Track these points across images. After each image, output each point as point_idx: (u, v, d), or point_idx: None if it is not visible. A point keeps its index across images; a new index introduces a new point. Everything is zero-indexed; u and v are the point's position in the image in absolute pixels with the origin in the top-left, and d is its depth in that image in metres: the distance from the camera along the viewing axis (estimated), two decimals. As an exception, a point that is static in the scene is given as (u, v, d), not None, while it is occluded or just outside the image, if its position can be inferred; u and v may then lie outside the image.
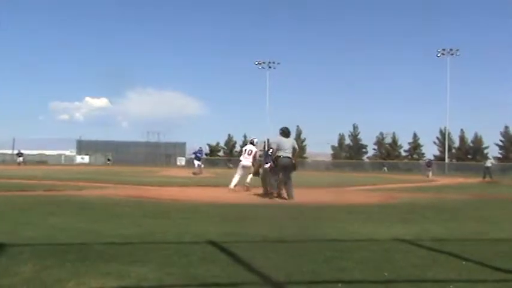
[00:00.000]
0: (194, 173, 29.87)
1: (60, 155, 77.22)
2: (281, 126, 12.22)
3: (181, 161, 74.43)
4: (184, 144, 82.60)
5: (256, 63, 79.23)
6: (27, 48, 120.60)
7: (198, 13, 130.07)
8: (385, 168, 67.49)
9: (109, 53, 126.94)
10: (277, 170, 11.74)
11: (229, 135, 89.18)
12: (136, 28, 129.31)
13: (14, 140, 56.35)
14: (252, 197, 12.15)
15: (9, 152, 56.03)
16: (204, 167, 36.38)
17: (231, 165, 54.33)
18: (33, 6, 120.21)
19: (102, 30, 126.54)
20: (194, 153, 34.03)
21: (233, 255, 4.72)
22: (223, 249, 4.99)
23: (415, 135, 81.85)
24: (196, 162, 31.77)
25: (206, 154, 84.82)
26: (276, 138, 12.19)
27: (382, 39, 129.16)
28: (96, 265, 4.17)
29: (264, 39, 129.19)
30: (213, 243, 5.27)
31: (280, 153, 11.65)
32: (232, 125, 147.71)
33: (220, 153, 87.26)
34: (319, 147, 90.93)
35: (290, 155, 11.73)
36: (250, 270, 4.16)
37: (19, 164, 47.33)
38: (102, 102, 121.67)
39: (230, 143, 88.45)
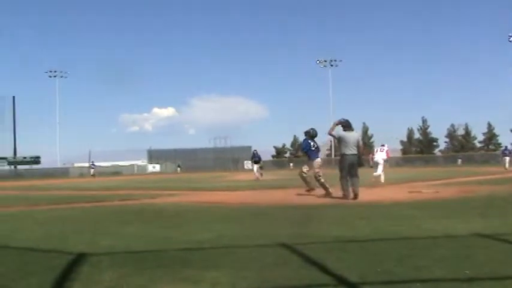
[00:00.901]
0: (257, 178, 28.65)
1: (132, 165, 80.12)
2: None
3: (248, 164, 75.08)
4: (250, 148, 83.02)
5: (318, 61, 78.67)
6: (97, 65, 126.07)
7: (257, 17, 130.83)
8: (460, 161, 64.85)
9: (172, 63, 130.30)
10: (343, 169, 11.22)
11: (294, 136, 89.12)
12: (198, 36, 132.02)
13: (89, 153, 59.25)
14: (316, 197, 12.01)
15: (86, 165, 58.88)
16: (270, 169, 36.27)
17: (291, 165, 53.85)
18: (105, 26, 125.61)
19: (165, 42, 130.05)
20: (251, 158, 33.10)
21: (305, 257, 4.69)
22: (295, 251, 4.98)
23: (489, 125, 78.13)
24: (255, 166, 30.65)
25: (272, 156, 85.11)
26: (339, 134, 11.48)
27: (446, 31, 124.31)
28: (172, 271, 4.28)
29: (324, 38, 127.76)
30: (285, 246, 5.26)
31: (345, 150, 11.21)
32: (296, 126, 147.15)
33: (287, 155, 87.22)
34: (388, 143, 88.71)
35: (355, 152, 11.26)
36: (324, 272, 4.12)
37: (92, 175, 49.46)
38: (169, 111, 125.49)
39: (296, 144, 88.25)
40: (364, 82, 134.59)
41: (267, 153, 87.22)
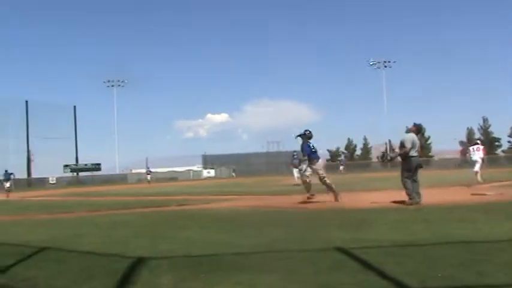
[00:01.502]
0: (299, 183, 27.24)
1: (188, 171, 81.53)
2: (402, 125, 11.47)
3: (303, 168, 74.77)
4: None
5: (371, 63, 77.49)
6: (152, 73, 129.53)
7: (307, 23, 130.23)
8: (524, 161, 61.85)
9: (225, 69, 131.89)
10: (410, 171, 10.72)
11: (348, 139, 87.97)
12: (250, 45, 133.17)
13: (146, 159, 60.91)
14: (378, 200, 11.76)
15: (143, 171, 60.52)
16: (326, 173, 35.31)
17: (341, 168, 52.53)
18: (163, 38, 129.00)
19: (219, 51, 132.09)
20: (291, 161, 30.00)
21: (362, 261, 4.61)
22: (351, 256, 4.91)
23: (558, 122, 74.12)
24: (294, 170, 28.09)
25: (327, 160, 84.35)
26: (410, 136, 10.93)
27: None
28: (228, 275, 4.33)
29: (377, 39, 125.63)
30: (340, 250, 5.20)
31: (411, 152, 10.85)
32: (350, 129, 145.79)
33: (341, 158, 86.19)
34: (446, 144, 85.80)
35: (417, 154, 10.98)
36: (382, 277, 4.03)
37: (149, 181, 50.61)
38: (222, 117, 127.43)
39: (350, 147, 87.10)
40: (418, 83, 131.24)
41: (321, 157, 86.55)
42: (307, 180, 12.39)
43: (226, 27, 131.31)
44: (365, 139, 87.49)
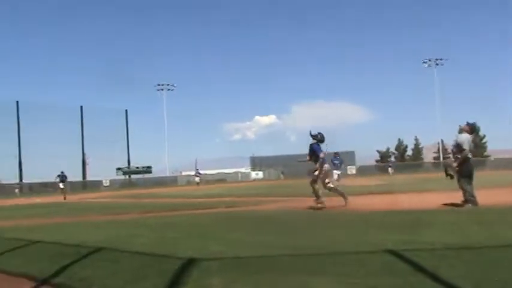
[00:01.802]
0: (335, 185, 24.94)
1: (237, 173, 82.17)
2: (456, 124, 10.92)
3: (351, 169, 73.78)
4: (353, 152, 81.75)
5: (423, 61, 75.66)
6: (201, 77, 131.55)
7: (358, 20, 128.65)
8: None
9: (273, 71, 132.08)
10: (470, 173, 10.21)
11: (399, 139, 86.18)
12: (299, 46, 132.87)
13: (195, 161, 61.82)
14: (426, 202, 11.47)
15: (193, 173, 61.49)
16: (372, 174, 34.56)
17: (390, 170, 51.00)
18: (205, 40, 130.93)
19: (267, 52, 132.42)
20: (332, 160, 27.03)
21: (414, 264, 4.51)
22: (402, 258, 4.80)
23: None
24: (334, 172, 25.66)
25: (376, 161, 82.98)
26: (466, 137, 10.35)
27: None
28: (277, 277, 4.33)
29: (428, 37, 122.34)
30: (392, 252, 5.10)
31: (470, 154, 10.28)
32: (401, 129, 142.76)
33: (392, 159, 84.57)
34: (503, 144, 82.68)
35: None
36: (435, 280, 3.93)
37: (198, 183, 51.28)
38: (270, 119, 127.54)
39: (401, 148, 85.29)
40: (472, 81, 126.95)
41: (370, 158, 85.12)
42: (316, 187, 11.90)
43: (277, 29, 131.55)
44: (416, 139, 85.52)
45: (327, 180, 11.75)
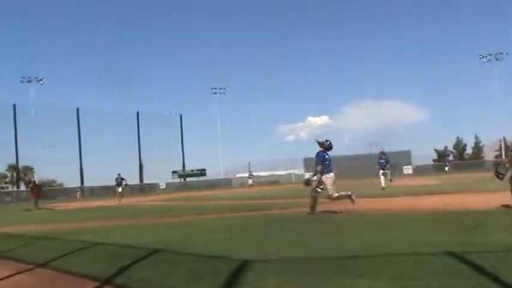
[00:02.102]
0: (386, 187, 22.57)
1: (290, 174, 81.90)
2: None
3: (408, 169, 71.99)
4: (409, 152, 79.72)
5: (481, 56, 72.77)
6: (252, 79, 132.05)
7: (411, 15, 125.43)
8: None
9: (325, 71, 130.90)
10: None
11: (457, 137, 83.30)
12: (349, 43, 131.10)
13: (249, 164, 62.21)
14: (490, 201, 11.00)
15: (246, 175, 61.97)
16: (429, 174, 33.34)
17: (447, 168, 48.68)
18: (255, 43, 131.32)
19: (318, 52, 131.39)
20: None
21: (475, 266, 4.35)
22: (462, 260, 4.65)
23: None
24: (381, 172, 23.86)
25: (434, 160, 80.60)
26: None
27: None
28: (334, 278, 4.30)
29: (484, 31, 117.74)
30: (450, 254, 4.95)
31: None
32: (460, 127, 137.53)
33: (450, 158, 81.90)
34: None
35: None
36: (498, 283, 3.79)
37: (250, 185, 51.49)
38: (323, 120, 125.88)
39: (459, 146, 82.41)
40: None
41: (427, 157, 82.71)
42: (314, 195, 11.36)
43: (324, 28, 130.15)
44: (476, 137, 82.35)
45: (330, 191, 11.22)
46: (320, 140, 11.72)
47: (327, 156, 11.54)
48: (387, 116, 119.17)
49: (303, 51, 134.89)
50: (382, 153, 24.90)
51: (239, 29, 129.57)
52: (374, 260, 5.15)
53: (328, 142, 11.65)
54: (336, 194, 11.16)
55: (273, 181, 73.37)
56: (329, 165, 11.55)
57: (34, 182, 33.23)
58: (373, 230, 7.71)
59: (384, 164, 24.13)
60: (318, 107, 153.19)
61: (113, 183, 32.12)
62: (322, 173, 11.33)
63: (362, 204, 12.87)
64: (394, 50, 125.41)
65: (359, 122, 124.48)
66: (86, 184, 62.18)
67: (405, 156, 79.46)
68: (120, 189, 30.40)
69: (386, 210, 11.23)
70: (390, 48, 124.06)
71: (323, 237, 7.21)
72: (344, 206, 11.54)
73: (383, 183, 22.92)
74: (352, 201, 11.10)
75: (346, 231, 7.80)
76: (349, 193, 10.99)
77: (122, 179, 31.18)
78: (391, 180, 24.23)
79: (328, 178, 11.27)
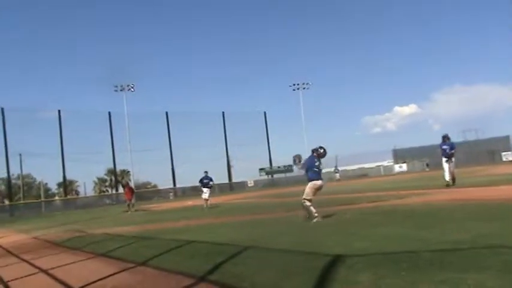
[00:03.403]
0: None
1: (378, 167, 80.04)
2: None
3: (507, 156, 67.73)
4: (507, 137, 75.01)
5: None
6: (333, 74, 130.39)
7: None
8: None
9: (408, 58, 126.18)
10: None
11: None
12: (435, 26, 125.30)
13: (336, 157, 61.46)
14: None
15: (332, 169, 61.45)
16: None
17: None
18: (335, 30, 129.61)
19: (401, 38, 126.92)
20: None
21: None
22: None
23: None
24: (444, 160, 18.57)
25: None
26: None
27: None
28: (429, 273, 4.15)
29: None
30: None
31: None
32: None
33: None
34: None
35: None
36: None
37: (337, 180, 50.94)
38: (411, 109, 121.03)
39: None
40: None
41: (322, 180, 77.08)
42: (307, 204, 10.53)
43: (405, 19, 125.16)
44: None
45: (305, 196, 10.57)
46: (314, 148, 11.21)
47: (317, 163, 10.99)
48: (480, 100, 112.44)
49: (383, 41, 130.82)
50: (446, 137, 19.34)
51: (315, 20, 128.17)
52: (477, 252, 4.86)
53: (322, 150, 11.07)
54: (308, 204, 10.48)
55: (362, 174, 72.11)
56: (318, 172, 11.06)
57: (127, 183, 34.97)
58: (472, 221, 7.33)
59: (447, 151, 18.71)
60: (404, 96, 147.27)
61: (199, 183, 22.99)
62: (308, 178, 10.91)
63: (458, 194, 12.34)
64: (479, 29, 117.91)
65: (450, 109, 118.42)
66: (178, 185, 64.74)
67: (504, 142, 74.90)
68: (207, 194, 21.85)
69: (485, 200, 10.62)
70: (478, 29, 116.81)
71: (417, 231, 6.96)
72: (436, 198, 11.08)
73: (447, 177, 17.88)
74: (311, 219, 10.20)
75: (440, 224, 7.48)
76: (315, 214, 10.19)
77: (210, 179, 22.64)
78: (453, 175, 18.25)
79: (312, 184, 10.75)
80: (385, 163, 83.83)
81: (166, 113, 65.75)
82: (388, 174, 66.87)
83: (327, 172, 74.02)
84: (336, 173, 54.30)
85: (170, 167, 64.80)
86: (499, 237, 5.66)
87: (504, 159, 66.41)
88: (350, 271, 4.59)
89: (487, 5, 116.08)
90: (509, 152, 68.90)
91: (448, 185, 16.99)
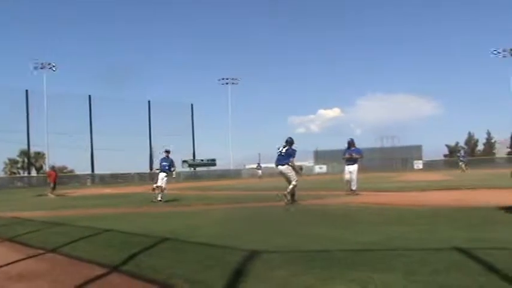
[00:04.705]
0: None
1: (300, 167, 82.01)
2: None
3: (418, 164, 71.68)
4: (420, 146, 79.42)
5: (493, 52, 71.78)
6: (263, 70, 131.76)
7: (421, 7, 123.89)
8: None
9: (335, 63, 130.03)
10: None
11: (469, 133, 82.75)
12: (360, 34, 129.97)
13: (259, 155, 62.28)
14: (502, 198, 10.93)
15: (255, 166, 62.15)
16: (441, 169, 33.13)
17: (461, 164, 45.70)
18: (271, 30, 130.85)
19: (327, 43, 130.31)
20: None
21: (485, 263, 4.33)
22: (472, 257, 4.62)
23: None
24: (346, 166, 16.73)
25: (445, 155, 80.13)
26: None
27: None
28: (341, 272, 4.29)
29: (500, 25, 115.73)
30: (461, 250, 4.92)
31: None
32: (472, 123, 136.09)
33: (461, 153, 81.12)
34: None
35: None
36: (507, 281, 3.77)
37: (259, 177, 51.60)
38: (334, 112, 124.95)
39: (471, 142, 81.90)
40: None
41: (438, 152, 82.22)
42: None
43: (337, 20, 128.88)
44: (488, 133, 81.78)
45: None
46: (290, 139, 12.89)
47: (279, 149, 12.79)
48: (400, 109, 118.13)
49: (314, 44, 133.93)
50: (352, 143, 16.85)
51: (250, 17, 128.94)
52: (386, 254, 5.12)
53: (289, 138, 12.90)
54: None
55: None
56: (278, 158, 12.78)
57: (53, 167, 33.36)
58: (385, 224, 7.69)
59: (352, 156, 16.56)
60: (329, 100, 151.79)
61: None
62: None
63: (374, 198, 12.87)
64: (407, 42, 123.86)
65: (371, 115, 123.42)
66: (96, 172, 62.71)
67: (416, 151, 79.10)
68: (163, 181, 16.98)
69: (398, 204, 11.18)
70: (403, 40, 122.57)
71: (333, 231, 7.20)
72: (352, 200, 11.52)
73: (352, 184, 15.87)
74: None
75: (355, 225, 7.78)
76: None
77: (171, 162, 17.84)
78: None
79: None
80: (306, 163, 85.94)
81: (89, 96, 63.46)
82: (309, 175, 68.60)
83: (251, 168, 74.83)
84: (258, 169, 54.91)
85: (90, 152, 62.72)
86: (406, 240, 5.98)
87: (415, 167, 70.19)
88: (265, 266, 4.67)
89: (413, 17, 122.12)
90: (420, 161, 72.90)
91: (349, 194, 15.23)
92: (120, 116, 74.43)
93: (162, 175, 16.91)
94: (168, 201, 16.09)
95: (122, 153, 64.25)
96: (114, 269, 5.01)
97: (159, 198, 16.03)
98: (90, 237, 7.42)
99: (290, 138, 12.94)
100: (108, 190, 32.18)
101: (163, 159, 17.58)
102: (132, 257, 5.47)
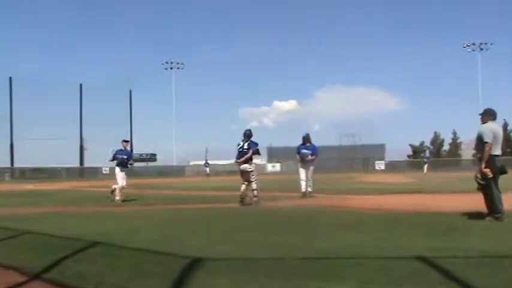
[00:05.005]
0: None
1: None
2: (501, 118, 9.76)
3: (380, 165, 73.27)
4: (383, 146, 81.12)
5: (465, 46, 74.43)
6: (215, 56, 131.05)
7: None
8: None
9: (294, 51, 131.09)
10: (496, 175, 8.63)
11: (435, 132, 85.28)
12: (320, 23, 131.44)
13: (206, 150, 61.81)
14: (465, 204, 11.37)
15: (202, 163, 61.73)
16: (404, 171, 34.04)
17: (425, 167, 46.84)
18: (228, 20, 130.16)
19: (284, 31, 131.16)
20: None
21: (445, 272, 4.52)
22: (433, 266, 4.81)
23: None
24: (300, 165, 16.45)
25: (408, 156, 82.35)
26: (489, 127, 8.84)
27: None
28: (290, 281, 4.37)
29: (469, 19, 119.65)
30: (421, 258, 5.11)
31: (495, 150, 8.71)
32: (438, 121, 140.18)
33: (426, 154, 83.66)
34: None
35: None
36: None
37: (207, 175, 51.56)
38: (290, 105, 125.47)
39: (437, 142, 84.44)
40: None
41: (402, 152, 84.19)
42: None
43: (295, 9, 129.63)
44: (454, 133, 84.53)
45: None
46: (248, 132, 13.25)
47: (240, 144, 13.09)
48: (361, 104, 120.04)
49: (268, 30, 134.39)
50: (307, 139, 16.37)
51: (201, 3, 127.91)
52: (342, 262, 5.26)
53: (248, 131, 13.29)
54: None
55: (232, 171, 73.44)
56: (238, 153, 13.10)
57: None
58: (345, 229, 7.84)
59: (307, 156, 16.08)
60: (285, 91, 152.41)
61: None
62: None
63: (331, 201, 13.08)
64: (369, 32, 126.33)
65: (330, 109, 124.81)
66: (16, 165, 60.67)
67: (379, 150, 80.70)
68: (123, 179, 16.18)
69: (356, 208, 11.43)
70: (365, 30, 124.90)
71: (283, 237, 7.28)
72: (307, 202, 11.67)
73: (303, 186, 15.76)
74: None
75: (308, 230, 7.91)
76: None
77: (129, 155, 17.28)
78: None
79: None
80: (258, 161, 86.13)
81: (10, 79, 61.28)
82: (261, 174, 68.81)
83: (197, 165, 74.49)
84: (206, 167, 54.79)
85: (9, 142, 60.61)
86: (362, 248, 6.14)
87: (377, 167, 71.66)
88: (208, 275, 4.70)
89: (378, 5, 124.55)
90: (382, 161, 74.50)
91: (303, 196, 15.13)
92: (47, 102, 72.08)
93: (121, 174, 16.04)
94: (100, 199, 15.80)
95: (47, 144, 62.28)
96: (35, 276, 4.89)
97: (117, 198, 15.30)
98: (8, 239, 7.22)
99: (249, 130, 13.16)
100: (30, 186, 31.29)
101: (120, 151, 16.56)
102: (57, 263, 5.36)
